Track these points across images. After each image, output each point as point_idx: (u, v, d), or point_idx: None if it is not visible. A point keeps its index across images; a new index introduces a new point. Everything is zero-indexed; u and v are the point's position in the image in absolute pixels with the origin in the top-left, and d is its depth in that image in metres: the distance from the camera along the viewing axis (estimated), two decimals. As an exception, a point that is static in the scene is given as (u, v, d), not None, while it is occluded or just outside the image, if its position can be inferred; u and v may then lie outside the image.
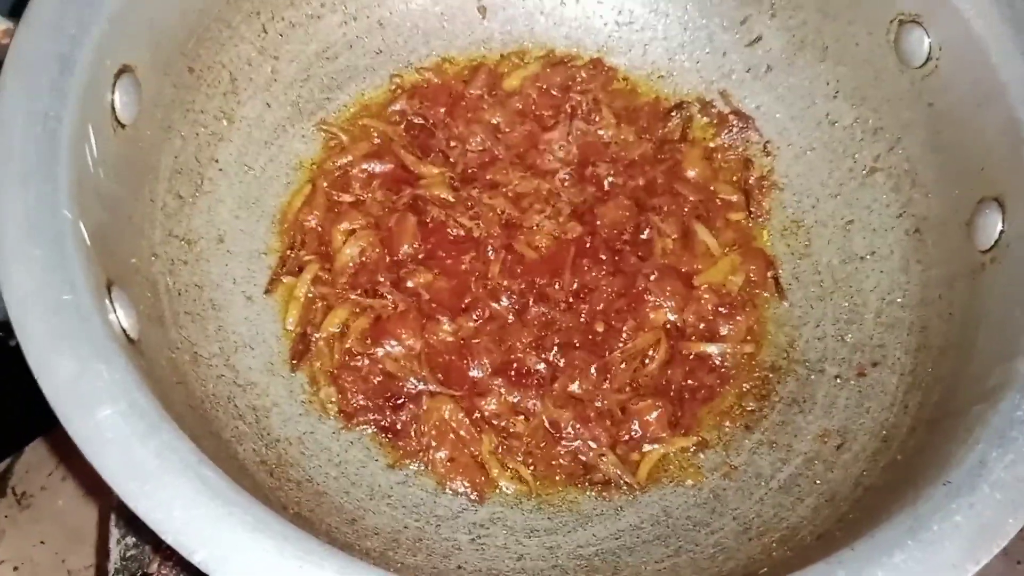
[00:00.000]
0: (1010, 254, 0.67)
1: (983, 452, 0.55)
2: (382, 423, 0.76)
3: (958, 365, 0.67)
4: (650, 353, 0.80)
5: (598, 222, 0.85)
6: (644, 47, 0.94)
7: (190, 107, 0.77)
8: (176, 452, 0.51)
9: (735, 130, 0.91)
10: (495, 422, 0.77)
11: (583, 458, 0.77)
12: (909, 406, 0.70)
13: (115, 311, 0.58)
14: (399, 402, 0.77)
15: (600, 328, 0.81)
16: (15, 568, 1.00)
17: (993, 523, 0.52)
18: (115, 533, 0.76)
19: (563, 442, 0.77)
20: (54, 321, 0.53)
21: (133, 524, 0.76)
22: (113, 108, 0.65)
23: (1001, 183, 0.69)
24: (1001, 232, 0.68)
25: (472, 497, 0.74)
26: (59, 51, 0.61)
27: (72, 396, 0.51)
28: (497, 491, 0.75)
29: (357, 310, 0.80)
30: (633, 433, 0.77)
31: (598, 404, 0.78)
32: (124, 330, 0.59)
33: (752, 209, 0.88)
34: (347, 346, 0.78)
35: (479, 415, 0.77)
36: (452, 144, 0.89)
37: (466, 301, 0.81)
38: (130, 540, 0.76)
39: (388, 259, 0.82)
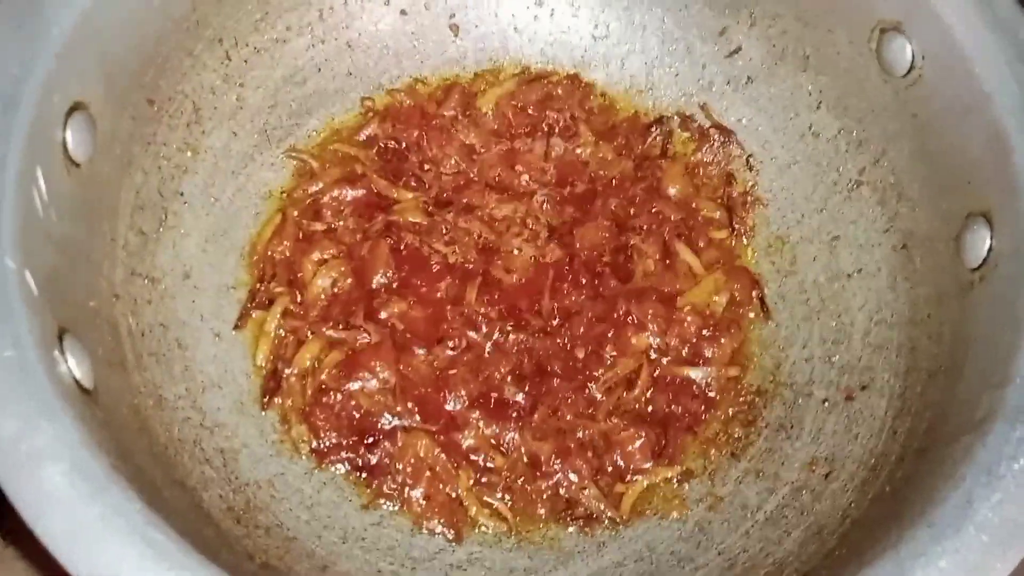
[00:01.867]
0: (999, 273, 0.64)
1: (969, 490, 0.52)
2: (356, 462, 0.74)
3: (947, 390, 0.64)
4: (632, 379, 0.78)
5: (577, 244, 0.83)
6: (621, 61, 0.91)
7: (151, 140, 0.75)
8: (122, 514, 0.48)
9: (716, 144, 0.89)
10: (473, 457, 0.75)
11: (564, 492, 0.74)
12: (898, 432, 0.68)
13: (66, 361, 0.56)
14: (373, 439, 0.74)
15: (581, 354, 0.79)
16: (1, 607, 0.98)
17: (980, 568, 0.50)
18: None
19: (543, 476, 0.74)
20: (-5, 379, 0.51)
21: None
22: (65, 147, 0.63)
23: (988, 197, 0.67)
24: (990, 249, 0.66)
25: (449, 537, 0.72)
26: (1, 91, 0.59)
27: (12, 457, 0.49)
28: (475, 530, 0.73)
29: (329, 344, 0.77)
30: (616, 464, 0.75)
31: (579, 435, 0.76)
32: (77, 380, 0.57)
33: (735, 226, 0.86)
34: (319, 381, 0.76)
35: (456, 450, 0.74)
36: (426, 167, 0.87)
37: (442, 330, 0.79)
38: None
39: (361, 289, 0.80)
